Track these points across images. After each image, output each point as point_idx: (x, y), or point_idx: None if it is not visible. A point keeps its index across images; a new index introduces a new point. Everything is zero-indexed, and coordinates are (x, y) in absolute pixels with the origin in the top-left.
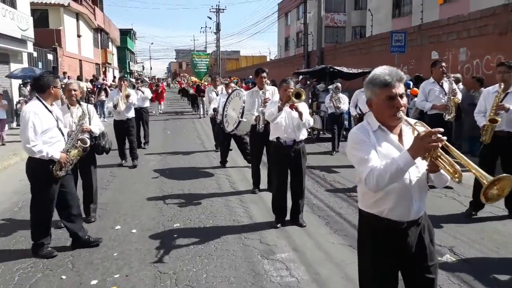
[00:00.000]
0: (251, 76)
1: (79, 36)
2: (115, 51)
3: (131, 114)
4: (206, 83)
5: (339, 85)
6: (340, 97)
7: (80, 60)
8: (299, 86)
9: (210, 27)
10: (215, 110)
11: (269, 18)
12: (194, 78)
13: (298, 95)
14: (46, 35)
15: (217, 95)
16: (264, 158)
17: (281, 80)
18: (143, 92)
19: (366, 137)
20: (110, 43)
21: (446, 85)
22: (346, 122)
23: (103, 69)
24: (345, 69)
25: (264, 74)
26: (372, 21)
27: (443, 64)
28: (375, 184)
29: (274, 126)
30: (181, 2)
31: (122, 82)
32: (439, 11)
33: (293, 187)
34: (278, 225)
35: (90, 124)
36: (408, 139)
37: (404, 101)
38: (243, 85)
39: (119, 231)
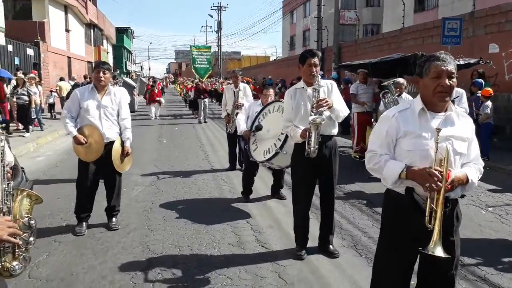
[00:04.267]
0: (270, 77)
1: (67, 30)
2: (110, 49)
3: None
4: (208, 83)
5: (402, 81)
6: (402, 98)
7: (69, 57)
8: (356, 87)
9: (211, 26)
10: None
11: (273, 16)
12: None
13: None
14: (28, 28)
15: (235, 96)
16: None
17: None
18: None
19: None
20: (104, 41)
21: None
22: None
23: None
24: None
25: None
26: (387, 17)
27: None
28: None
29: None
30: (181, 1)
31: None
32: (474, 2)
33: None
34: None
35: None
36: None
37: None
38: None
39: None
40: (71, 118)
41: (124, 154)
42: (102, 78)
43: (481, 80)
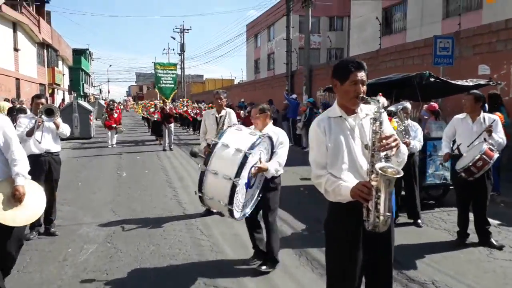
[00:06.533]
0: (243, 100)
1: (16, 49)
2: (66, 71)
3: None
4: (171, 105)
5: (408, 106)
6: (410, 126)
7: (18, 79)
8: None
9: (173, 49)
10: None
11: (237, 39)
12: (154, 102)
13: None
14: None
15: (217, 123)
16: None
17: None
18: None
19: None
20: (60, 62)
21: None
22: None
23: (50, 91)
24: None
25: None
26: (353, 41)
27: None
28: None
29: None
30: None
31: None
32: (442, 26)
33: None
34: None
35: None
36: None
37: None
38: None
39: None
40: None
41: (15, 198)
42: None
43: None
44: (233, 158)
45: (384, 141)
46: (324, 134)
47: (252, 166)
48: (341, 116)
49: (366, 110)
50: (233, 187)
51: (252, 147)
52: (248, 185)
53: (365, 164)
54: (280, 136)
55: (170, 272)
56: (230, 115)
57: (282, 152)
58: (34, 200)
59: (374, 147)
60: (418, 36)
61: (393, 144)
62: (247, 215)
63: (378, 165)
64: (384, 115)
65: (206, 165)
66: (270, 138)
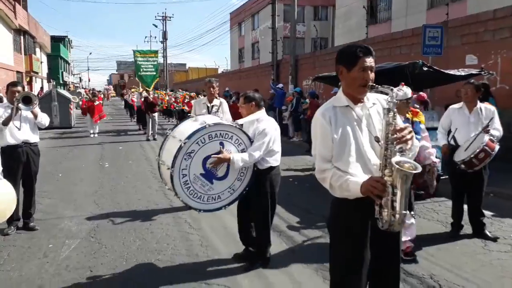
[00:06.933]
0: (227, 88)
1: None
2: (44, 59)
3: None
4: (154, 94)
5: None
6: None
7: None
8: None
9: (155, 37)
10: None
11: (220, 28)
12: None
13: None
14: None
15: (209, 112)
16: None
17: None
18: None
19: None
20: (37, 49)
21: None
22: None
23: (28, 79)
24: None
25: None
26: (339, 30)
27: None
28: None
29: None
30: (124, 10)
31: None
32: (427, 16)
33: None
34: None
35: None
36: None
37: None
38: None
39: None
40: None
41: None
42: None
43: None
44: (171, 148)
45: (399, 133)
46: (330, 125)
47: (210, 156)
48: (347, 106)
49: (372, 99)
50: (171, 177)
51: (189, 136)
52: (212, 176)
53: (373, 157)
54: (261, 126)
55: (158, 269)
56: (222, 105)
57: (257, 143)
58: (4, 195)
59: (387, 140)
60: (403, 26)
61: (409, 136)
62: (224, 208)
63: (394, 159)
64: (380, 104)
65: (158, 156)
66: (239, 128)
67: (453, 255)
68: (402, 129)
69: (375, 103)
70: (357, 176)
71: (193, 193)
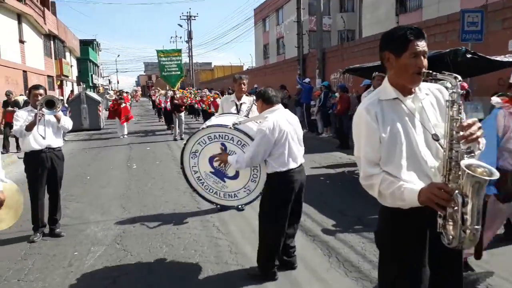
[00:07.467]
0: (256, 85)
1: (22, 41)
2: (74, 62)
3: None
4: (181, 94)
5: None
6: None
7: (25, 71)
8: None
9: (180, 37)
10: None
11: (245, 24)
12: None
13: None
14: None
15: (238, 110)
16: None
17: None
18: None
19: None
20: (67, 53)
21: None
22: None
23: (58, 82)
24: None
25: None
26: (366, 21)
27: None
28: None
29: None
30: (149, 11)
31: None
32: (460, 2)
33: None
34: None
35: None
36: None
37: None
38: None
39: None
40: None
41: None
42: None
43: None
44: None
45: (466, 130)
46: (376, 122)
47: (212, 157)
48: (396, 98)
49: (425, 90)
50: (183, 173)
51: (190, 137)
52: (223, 175)
53: (430, 159)
54: (261, 125)
55: (186, 277)
56: (251, 103)
57: (251, 145)
58: (14, 199)
59: (452, 138)
60: (435, 13)
61: (479, 133)
62: (242, 206)
63: (464, 163)
64: (434, 96)
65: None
66: (235, 129)
67: (511, 261)
68: (470, 125)
69: (428, 93)
70: (412, 182)
71: (208, 188)
